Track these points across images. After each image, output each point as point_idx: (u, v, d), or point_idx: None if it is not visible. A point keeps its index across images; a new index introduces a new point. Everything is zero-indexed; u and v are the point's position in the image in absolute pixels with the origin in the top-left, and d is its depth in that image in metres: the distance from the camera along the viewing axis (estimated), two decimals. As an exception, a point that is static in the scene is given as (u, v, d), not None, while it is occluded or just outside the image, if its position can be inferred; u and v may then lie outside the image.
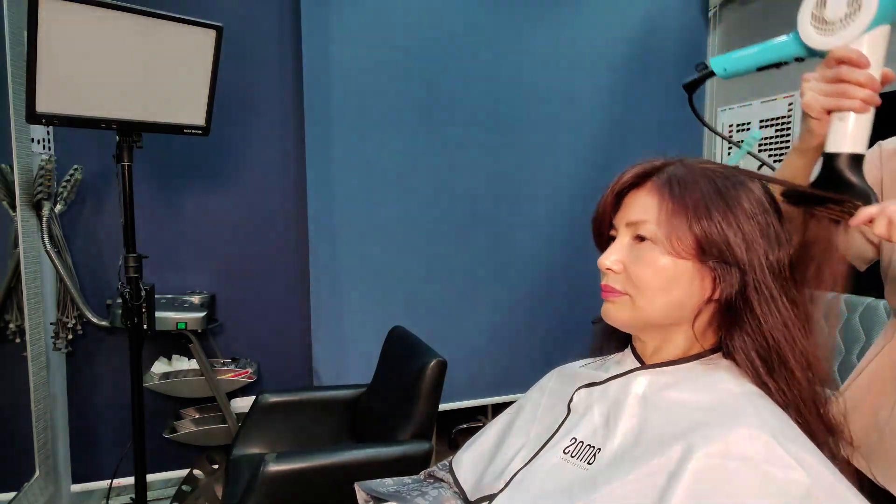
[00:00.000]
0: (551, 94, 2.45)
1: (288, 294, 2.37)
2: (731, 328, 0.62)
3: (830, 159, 0.65)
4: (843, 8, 0.62)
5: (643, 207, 0.64)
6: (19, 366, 1.89)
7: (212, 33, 1.67)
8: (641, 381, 0.65)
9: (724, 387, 0.61)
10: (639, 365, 0.68)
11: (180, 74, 1.68)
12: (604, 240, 0.70)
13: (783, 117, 2.36)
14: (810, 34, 0.65)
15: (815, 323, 0.63)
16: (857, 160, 0.64)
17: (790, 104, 2.33)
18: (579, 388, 0.71)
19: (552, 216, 2.48)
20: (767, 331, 0.60)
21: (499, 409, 0.83)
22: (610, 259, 0.65)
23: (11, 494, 1.77)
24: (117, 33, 1.53)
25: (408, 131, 2.30)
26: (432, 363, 1.57)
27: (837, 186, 0.64)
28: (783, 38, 0.71)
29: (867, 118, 0.64)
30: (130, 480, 1.89)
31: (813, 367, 0.62)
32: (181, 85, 1.70)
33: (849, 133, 0.64)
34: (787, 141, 2.34)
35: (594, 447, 0.63)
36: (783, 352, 0.60)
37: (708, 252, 0.60)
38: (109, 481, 2.06)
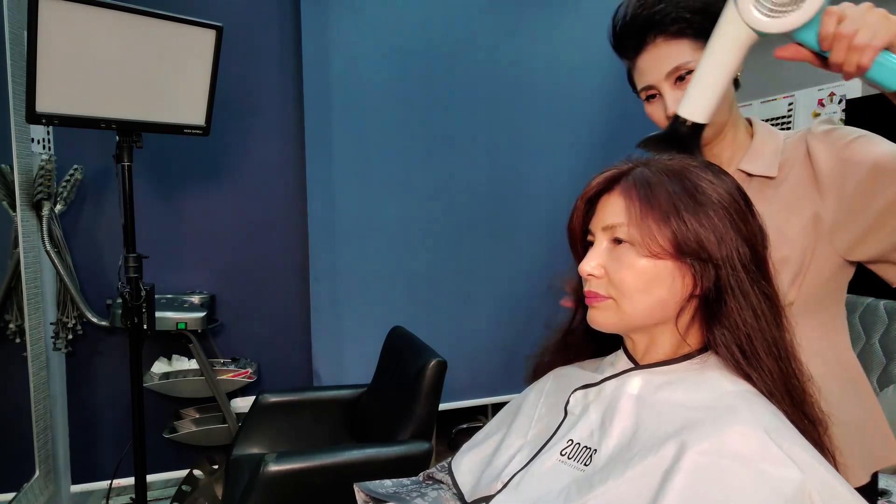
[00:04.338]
0: (551, 94, 2.45)
1: (288, 294, 2.37)
2: (711, 323, 0.63)
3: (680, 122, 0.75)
4: None
5: (615, 211, 0.64)
6: (19, 366, 1.89)
7: (212, 33, 1.67)
8: (635, 382, 0.66)
9: (717, 385, 0.61)
10: (632, 365, 0.68)
11: (180, 74, 1.68)
12: (578, 249, 0.71)
13: (783, 117, 2.36)
14: (758, 19, 0.65)
15: (786, 314, 0.64)
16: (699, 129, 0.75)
17: (790, 104, 2.33)
18: (575, 390, 0.71)
19: (552, 216, 2.47)
20: (742, 323, 0.61)
21: (499, 409, 0.83)
22: (590, 264, 0.65)
23: (11, 494, 1.77)
24: (117, 33, 1.53)
25: (408, 131, 2.30)
26: (432, 363, 1.57)
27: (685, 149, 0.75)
28: (719, 50, 0.71)
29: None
30: (130, 480, 1.89)
31: (785, 359, 0.62)
32: (181, 85, 1.70)
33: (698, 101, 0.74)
34: (788, 141, 2.34)
35: (590, 449, 0.63)
36: (756, 344, 0.61)
37: (684, 250, 0.61)
38: (109, 481, 2.06)
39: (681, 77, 0.86)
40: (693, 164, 0.65)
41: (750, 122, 0.95)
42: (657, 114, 0.91)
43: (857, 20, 0.61)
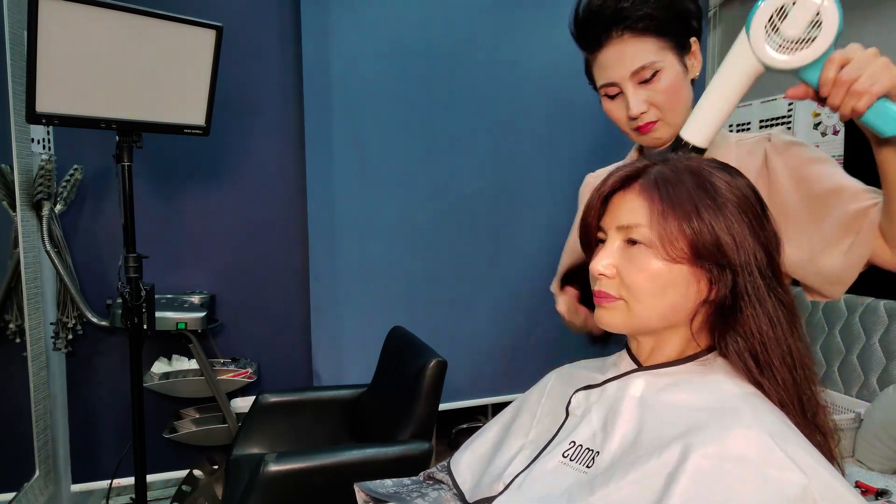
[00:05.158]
0: (551, 94, 2.45)
1: (288, 294, 2.37)
2: (724, 329, 0.62)
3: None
4: (803, 26, 0.65)
5: (632, 211, 0.62)
6: (19, 366, 1.89)
7: (212, 33, 1.67)
8: (638, 384, 0.65)
9: (721, 387, 0.61)
10: (635, 367, 0.67)
11: (180, 74, 1.68)
12: (591, 245, 0.69)
13: (783, 117, 2.36)
14: (767, 53, 0.68)
15: (800, 324, 0.63)
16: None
17: (790, 104, 2.33)
18: (577, 391, 0.71)
19: (552, 216, 2.48)
20: (757, 331, 0.60)
21: (499, 409, 0.83)
22: (602, 264, 0.63)
23: (11, 494, 1.77)
24: (117, 33, 1.53)
25: (408, 131, 2.30)
26: (432, 363, 1.57)
27: None
28: (732, 77, 0.74)
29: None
30: (130, 480, 1.89)
31: (800, 367, 0.61)
32: (181, 85, 1.70)
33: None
34: (788, 141, 2.34)
35: (593, 450, 0.63)
36: (771, 352, 0.60)
37: (701, 254, 0.59)
38: (109, 481, 2.06)
39: (645, 79, 0.84)
40: (709, 163, 0.64)
41: None
42: (617, 112, 0.90)
43: (860, 66, 0.63)
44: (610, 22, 0.84)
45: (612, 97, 0.89)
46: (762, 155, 0.86)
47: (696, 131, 0.77)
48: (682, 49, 0.86)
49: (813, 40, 0.65)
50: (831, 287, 0.81)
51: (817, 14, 0.64)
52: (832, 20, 0.64)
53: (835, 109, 0.67)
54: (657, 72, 0.84)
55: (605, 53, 0.86)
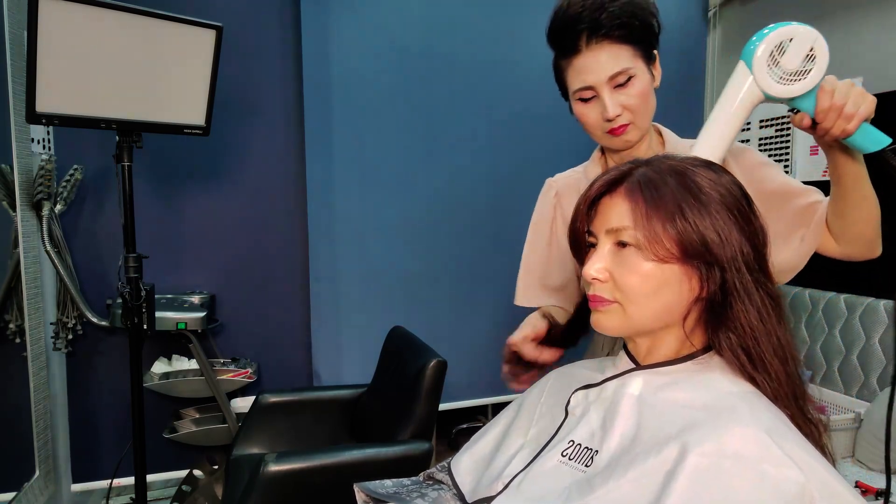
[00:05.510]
0: (551, 94, 2.44)
1: (288, 294, 2.37)
2: (717, 326, 0.62)
3: None
4: (800, 60, 0.73)
5: (619, 214, 0.63)
6: (19, 366, 1.89)
7: (212, 33, 1.67)
8: (637, 383, 0.65)
9: (718, 386, 0.61)
10: (633, 366, 0.68)
11: (180, 74, 1.68)
12: (582, 251, 0.70)
13: (783, 117, 2.36)
14: (772, 85, 0.76)
15: (787, 315, 0.64)
16: None
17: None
18: (576, 390, 0.71)
19: (552, 216, 2.47)
20: (748, 326, 0.61)
21: (499, 409, 0.83)
22: (594, 268, 0.64)
23: (11, 494, 1.77)
24: (117, 33, 1.53)
25: (408, 131, 2.30)
26: (432, 363, 1.57)
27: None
28: (738, 105, 0.79)
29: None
30: (130, 480, 1.89)
31: (791, 359, 0.62)
32: (181, 85, 1.70)
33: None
34: (787, 141, 2.34)
35: (592, 449, 0.63)
36: (763, 346, 0.61)
37: (689, 252, 0.60)
38: (109, 481, 2.06)
39: (620, 84, 0.89)
40: (694, 163, 0.65)
41: (659, 132, 1.02)
42: (592, 114, 0.93)
43: (845, 94, 0.73)
44: (589, 29, 0.87)
45: (586, 100, 0.93)
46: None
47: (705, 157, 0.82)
48: (649, 59, 0.92)
49: (808, 72, 0.73)
50: (781, 275, 0.87)
51: (811, 49, 0.73)
52: (824, 54, 0.72)
53: (825, 133, 0.75)
54: (631, 77, 0.89)
55: (583, 59, 0.90)
